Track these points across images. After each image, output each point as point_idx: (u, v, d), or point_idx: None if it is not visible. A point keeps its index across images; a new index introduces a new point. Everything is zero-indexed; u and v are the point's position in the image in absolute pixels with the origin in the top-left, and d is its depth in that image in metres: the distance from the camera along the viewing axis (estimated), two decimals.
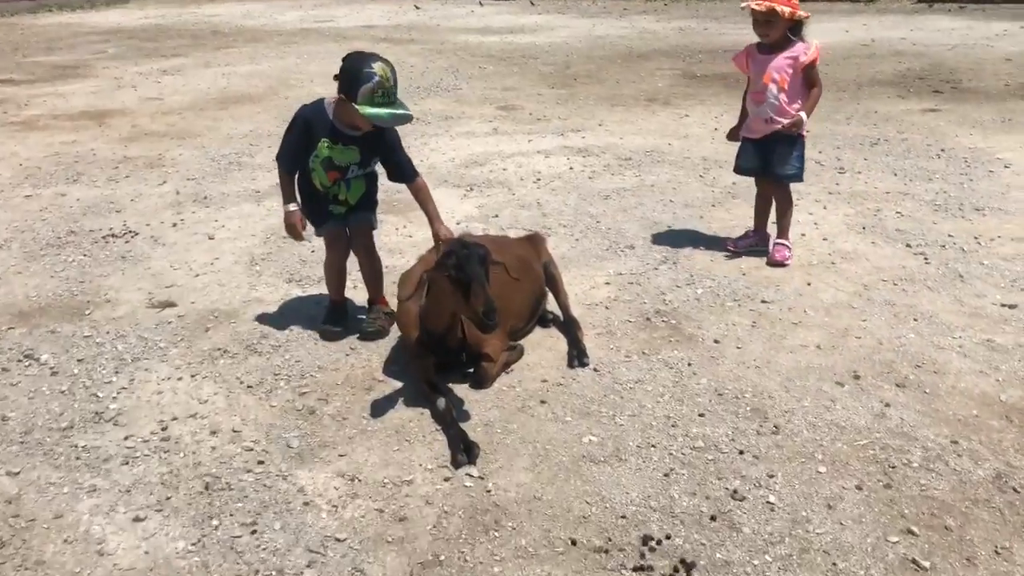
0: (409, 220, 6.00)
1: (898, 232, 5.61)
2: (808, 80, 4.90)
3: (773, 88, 4.88)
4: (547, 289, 4.46)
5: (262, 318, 4.58)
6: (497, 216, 6.07)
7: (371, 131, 4.01)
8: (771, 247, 5.19)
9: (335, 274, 4.41)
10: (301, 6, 21.02)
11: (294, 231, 4.20)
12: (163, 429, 3.59)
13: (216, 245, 5.63)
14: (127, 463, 3.37)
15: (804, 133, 4.97)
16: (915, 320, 4.40)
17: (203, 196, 6.62)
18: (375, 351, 4.22)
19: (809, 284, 4.85)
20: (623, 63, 12.34)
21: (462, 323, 3.78)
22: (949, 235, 5.52)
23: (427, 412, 3.67)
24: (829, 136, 7.99)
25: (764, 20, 4.80)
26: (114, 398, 3.83)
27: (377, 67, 3.77)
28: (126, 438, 3.53)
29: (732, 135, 5.32)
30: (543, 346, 4.24)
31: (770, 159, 5.05)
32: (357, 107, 3.78)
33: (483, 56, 13.06)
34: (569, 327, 4.29)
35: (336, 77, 3.92)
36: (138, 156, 7.76)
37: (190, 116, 9.34)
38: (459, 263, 3.41)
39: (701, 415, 3.61)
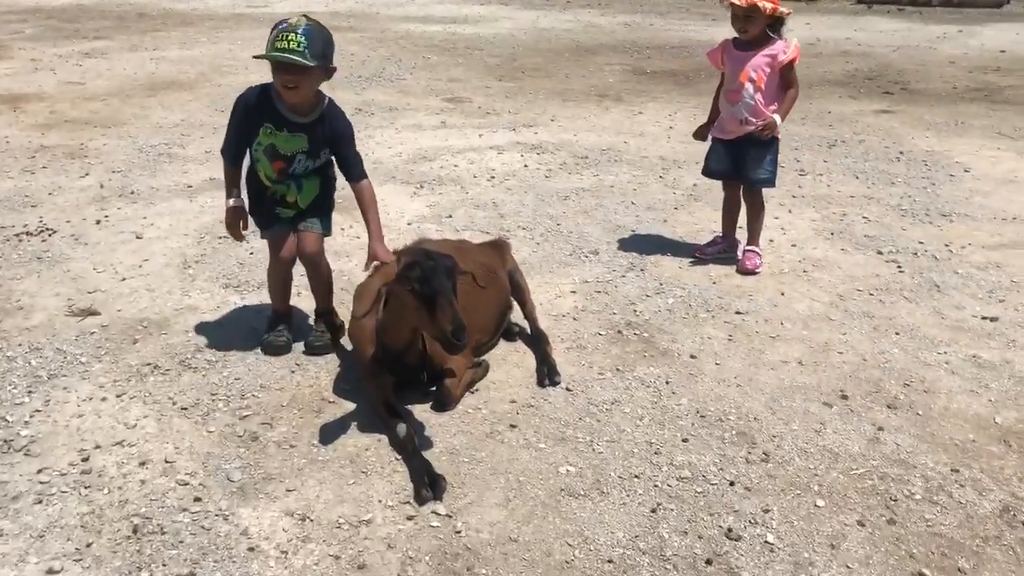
0: (356, 219, 5.55)
1: (867, 239, 5.42)
2: (785, 80, 4.66)
3: (749, 87, 4.62)
4: (512, 300, 4.12)
5: (197, 329, 4.16)
6: (451, 217, 5.72)
7: (319, 117, 3.64)
8: (741, 254, 4.95)
9: (280, 282, 3.99)
10: None
11: (233, 229, 3.82)
12: (84, 460, 3.17)
13: (144, 245, 5.16)
14: (40, 502, 2.94)
15: (778, 136, 4.72)
16: (897, 334, 4.19)
17: (130, 190, 6.11)
18: (324, 367, 3.84)
19: (783, 294, 4.62)
20: (571, 57, 12.05)
21: (423, 338, 3.43)
22: (919, 242, 5.36)
23: (385, 439, 3.31)
24: (786, 137, 7.73)
25: (744, 15, 4.54)
26: (26, 423, 3.38)
27: (293, 17, 3.50)
28: (40, 471, 3.10)
29: (700, 134, 5.05)
30: (510, 362, 3.91)
31: (742, 162, 4.80)
32: (257, 54, 3.63)
33: (426, 46, 12.64)
34: (537, 341, 3.97)
35: None
36: (57, 145, 7.19)
37: (115, 103, 8.75)
38: (424, 275, 3.06)
39: (685, 440, 3.32)
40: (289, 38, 3.40)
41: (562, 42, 13.26)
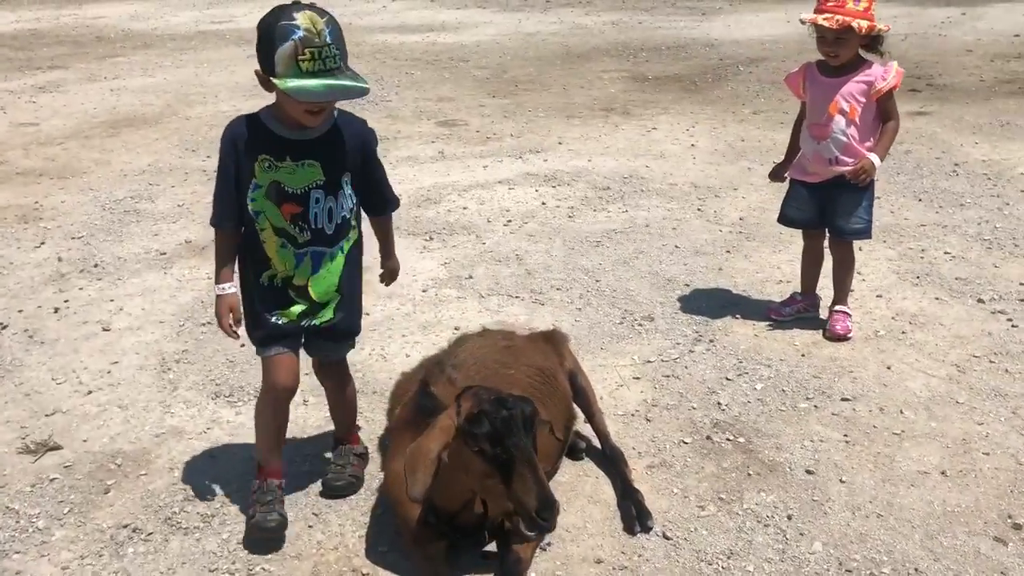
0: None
1: (959, 282, 4.66)
2: (883, 112, 3.87)
3: (841, 120, 3.83)
4: (575, 407, 3.32)
5: (184, 465, 3.33)
6: (471, 277, 4.90)
7: (331, 128, 2.72)
8: (829, 316, 4.17)
9: (274, 425, 2.94)
10: (195, 5, 19.24)
11: (226, 322, 2.83)
12: None
13: (113, 341, 4.31)
14: None
15: (875, 179, 3.94)
16: None
17: (93, 263, 5.24)
18: (348, 516, 3.02)
19: (889, 368, 3.85)
20: (564, 64, 11.24)
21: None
22: (1021, 283, 4.61)
23: None
24: None
25: (834, 38, 3.74)
26: None
27: (301, 18, 2.46)
28: None
29: (776, 174, 4.25)
30: (582, 495, 3.11)
31: (831, 209, 4.02)
32: (276, 82, 2.51)
33: (407, 59, 11.78)
34: (615, 464, 3.18)
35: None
36: (7, 205, 6.29)
37: (73, 147, 7.84)
38: (496, 433, 2.26)
39: None
40: (326, 55, 2.48)
41: (551, 48, 12.45)
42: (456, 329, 4.20)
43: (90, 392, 3.85)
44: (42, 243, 5.57)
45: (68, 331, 4.41)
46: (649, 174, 6.67)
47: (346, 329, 2.98)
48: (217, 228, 2.79)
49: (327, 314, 2.88)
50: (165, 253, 5.36)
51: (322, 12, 2.50)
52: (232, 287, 2.80)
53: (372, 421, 3.54)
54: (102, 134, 8.25)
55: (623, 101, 9.21)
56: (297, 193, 2.70)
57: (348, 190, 2.78)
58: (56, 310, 4.64)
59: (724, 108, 8.68)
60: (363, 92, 2.55)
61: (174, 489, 3.19)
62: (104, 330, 4.41)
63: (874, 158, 3.81)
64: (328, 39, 2.47)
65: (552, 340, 3.42)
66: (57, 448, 3.46)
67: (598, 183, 6.48)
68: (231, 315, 2.80)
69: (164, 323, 4.48)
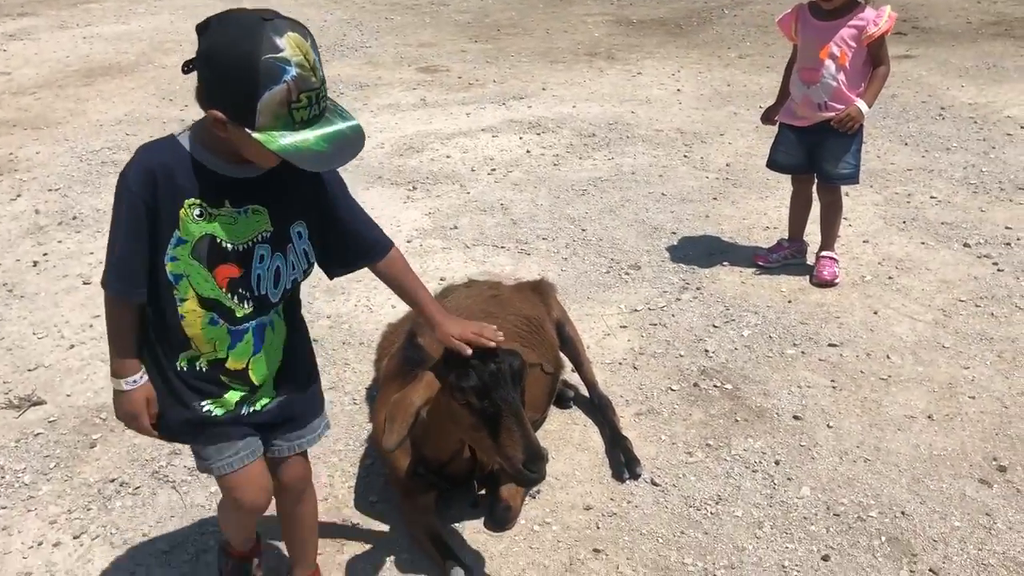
0: None
1: (946, 226, 4.65)
2: (873, 57, 3.81)
3: (831, 65, 3.77)
4: (561, 355, 3.31)
5: None
6: (456, 228, 4.85)
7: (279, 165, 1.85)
8: (816, 261, 4.16)
9: (246, 526, 2.40)
10: None
11: (142, 421, 2.02)
12: None
13: (95, 294, 4.24)
14: None
15: (862, 125, 3.90)
16: None
17: (71, 216, 5.15)
18: (337, 468, 3.02)
19: (876, 312, 3.85)
20: (546, 7, 11.04)
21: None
22: (1007, 227, 4.61)
23: None
24: None
25: None
26: None
27: (288, 46, 1.70)
28: None
29: (767, 117, 4.21)
30: (570, 443, 3.11)
31: (818, 153, 3.98)
32: (259, 137, 1.74)
33: (386, 4, 11.54)
34: (603, 412, 3.18)
35: (188, 68, 1.82)
36: None
37: (47, 96, 7.66)
38: (483, 385, 2.23)
39: (825, 558, 2.57)
40: (321, 95, 1.78)
41: None
42: (442, 280, 4.17)
43: (72, 346, 3.80)
44: (18, 195, 5.46)
45: (48, 284, 4.35)
46: (635, 120, 6.60)
47: (302, 413, 2.20)
48: (117, 298, 1.92)
49: (265, 396, 2.11)
50: None
51: (303, 29, 1.76)
52: (144, 376, 1.99)
53: (360, 372, 3.52)
54: (76, 83, 8.06)
55: (607, 45, 9.07)
56: (238, 250, 1.92)
57: (300, 244, 2.03)
58: (35, 263, 4.56)
59: (710, 52, 8.58)
60: (360, 141, 1.86)
61: (160, 443, 3.16)
62: (85, 283, 4.34)
63: (861, 105, 3.77)
64: (318, 70, 1.75)
65: (539, 290, 3.39)
66: (41, 403, 3.43)
67: (583, 130, 6.40)
68: (149, 407, 2.01)
69: None
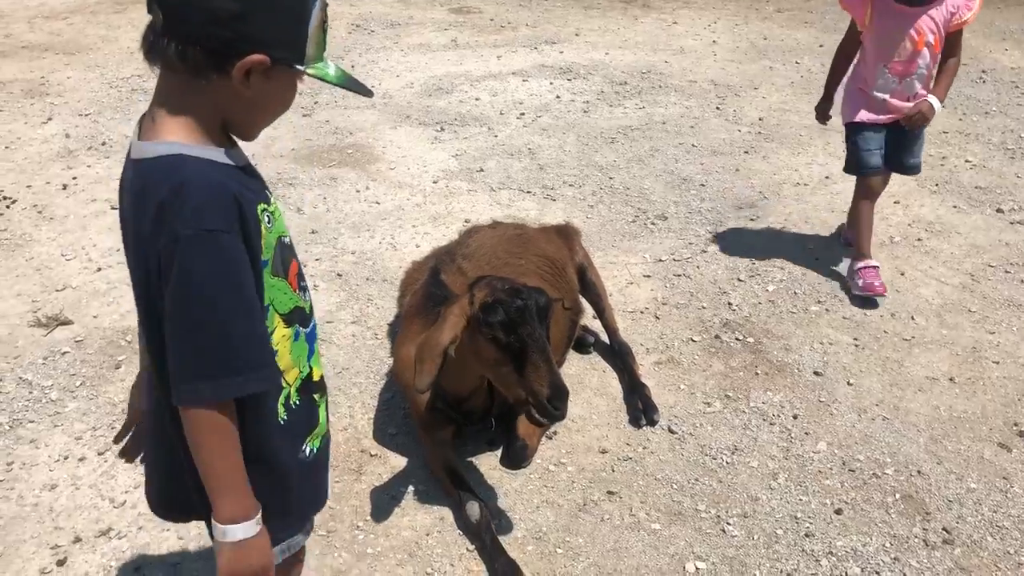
0: (371, 177, 4.71)
1: (979, 191, 4.58)
2: (948, 46, 3.45)
3: (927, 54, 3.43)
4: (583, 300, 3.31)
5: None
6: (482, 171, 4.83)
7: None
8: (856, 271, 3.65)
9: None
10: None
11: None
12: (59, 564, 2.40)
13: None
14: None
15: None
16: None
17: (101, 141, 5.16)
18: (358, 399, 3.05)
19: (903, 274, 3.82)
20: None
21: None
22: None
23: (450, 516, 2.56)
24: None
25: None
26: None
27: None
28: None
29: (822, 115, 3.80)
30: (589, 387, 3.13)
31: (897, 144, 3.59)
32: (315, 74, 1.40)
33: None
34: (623, 359, 3.18)
35: (157, 9, 1.33)
36: (13, 80, 6.16)
37: (78, 22, 7.64)
38: (510, 321, 2.24)
39: (838, 512, 2.58)
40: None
41: None
42: (466, 222, 4.16)
43: (99, 269, 3.84)
44: (49, 119, 5.48)
45: (77, 208, 4.37)
46: (668, 70, 6.50)
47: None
48: (230, 401, 1.37)
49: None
50: None
51: None
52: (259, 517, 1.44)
53: (382, 308, 3.53)
54: (108, 10, 8.03)
55: None
56: (292, 240, 1.57)
57: None
58: (64, 187, 4.59)
59: (747, 4, 8.41)
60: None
61: None
62: (113, 208, 4.37)
63: (934, 101, 3.45)
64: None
65: (564, 233, 3.38)
66: (68, 323, 3.47)
67: (615, 78, 6.32)
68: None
69: None
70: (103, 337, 3.38)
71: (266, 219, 1.41)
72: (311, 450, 1.59)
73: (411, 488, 2.67)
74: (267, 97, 1.40)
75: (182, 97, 1.35)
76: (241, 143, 1.46)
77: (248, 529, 1.39)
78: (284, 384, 1.50)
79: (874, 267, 3.61)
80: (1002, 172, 4.80)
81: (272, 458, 1.49)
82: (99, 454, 2.79)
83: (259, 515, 1.41)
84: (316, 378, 1.60)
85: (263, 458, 1.47)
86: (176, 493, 1.53)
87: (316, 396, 1.60)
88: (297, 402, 1.54)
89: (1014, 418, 2.96)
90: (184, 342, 1.32)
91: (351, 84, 1.46)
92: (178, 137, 1.36)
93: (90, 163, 4.87)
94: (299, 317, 1.53)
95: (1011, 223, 4.25)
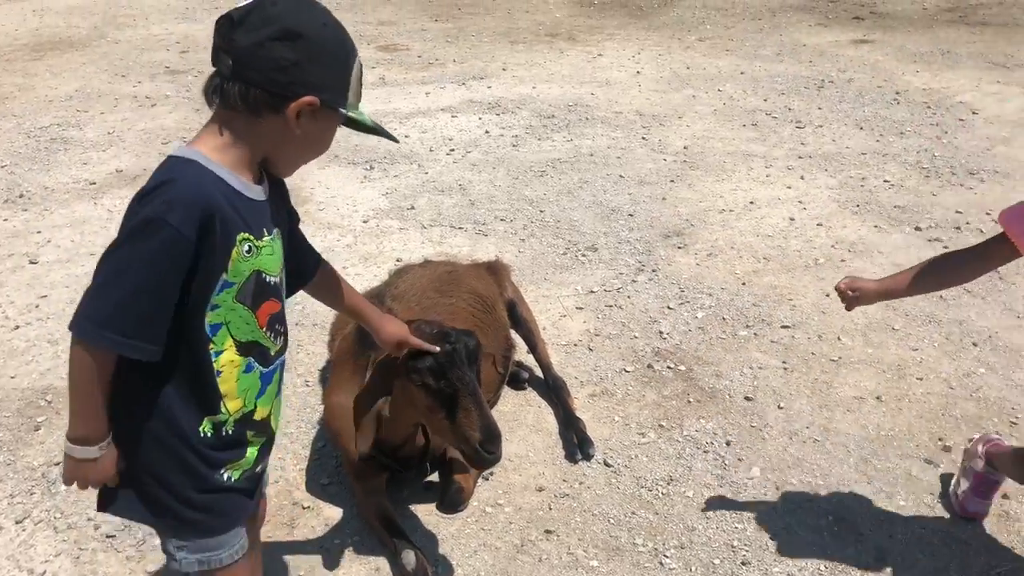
0: (300, 219, 4.65)
1: (898, 210, 4.71)
2: None
3: None
4: (515, 336, 3.30)
5: None
6: (413, 208, 4.81)
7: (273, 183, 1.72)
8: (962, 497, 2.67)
9: None
10: None
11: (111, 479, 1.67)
12: None
13: (41, 274, 4.15)
14: None
15: None
16: (975, 345, 3.51)
17: (18, 193, 5.03)
18: (289, 449, 2.99)
19: (828, 295, 3.89)
20: None
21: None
22: (957, 211, 4.67)
23: (386, 566, 2.51)
24: (766, 78, 7.02)
25: None
26: None
27: (343, 32, 1.65)
28: None
29: (853, 300, 2.51)
30: (524, 424, 3.11)
31: None
32: (356, 117, 1.65)
33: None
34: (557, 393, 3.18)
35: (232, 55, 1.52)
36: None
37: None
38: (439, 367, 2.22)
39: (774, 538, 2.59)
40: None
41: None
42: (398, 260, 4.14)
43: (17, 327, 3.72)
44: None
45: None
46: (594, 102, 6.59)
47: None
48: (110, 349, 1.53)
49: (272, 443, 1.86)
50: (95, 183, 5.17)
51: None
52: (107, 443, 1.62)
53: (313, 354, 3.48)
54: (25, 57, 7.87)
55: (569, 27, 9.05)
56: (276, 283, 1.70)
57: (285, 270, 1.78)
58: None
59: (670, 34, 8.58)
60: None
61: None
62: (31, 263, 4.25)
63: None
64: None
65: (493, 269, 3.38)
66: None
67: (543, 111, 6.38)
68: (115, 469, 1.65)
69: (95, 255, 4.31)
70: (21, 398, 3.27)
71: (245, 247, 1.58)
72: (229, 477, 1.72)
73: (345, 539, 2.61)
74: (312, 137, 1.62)
75: (236, 131, 1.56)
76: None
77: (87, 452, 1.60)
78: (222, 409, 1.65)
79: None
80: (919, 191, 4.94)
81: (177, 457, 1.65)
82: (17, 523, 2.69)
83: (103, 443, 1.60)
84: (258, 418, 1.72)
85: (171, 449, 1.64)
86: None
87: (251, 434, 1.72)
88: (230, 432, 1.68)
89: (939, 433, 3.02)
90: (96, 286, 1.50)
91: (381, 131, 1.71)
92: (206, 150, 1.55)
93: (6, 216, 4.74)
94: (258, 354, 1.68)
95: (929, 240, 4.37)
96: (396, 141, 1.79)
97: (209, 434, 1.65)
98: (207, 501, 1.69)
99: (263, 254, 1.62)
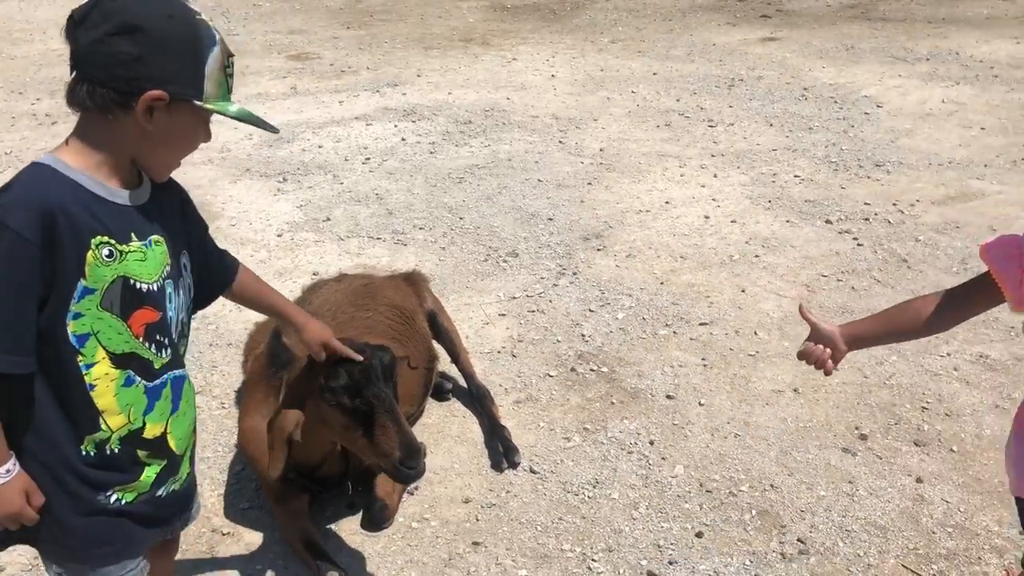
0: (212, 236, 4.54)
1: (809, 204, 4.82)
2: None
3: None
4: (435, 345, 3.27)
5: None
6: (329, 220, 4.74)
7: (155, 184, 1.64)
8: None
9: None
10: None
11: (24, 516, 1.55)
12: None
13: None
14: None
15: None
16: None
17: None
18: (206, 475, 2.90)
19: (743, 291, 3.96)
20: None
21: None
22: (865, 203, 4.81)
23: None
24: (678, 78, 7.13)
25: None
26: None
27: (201, 17, 1.54)
28: None
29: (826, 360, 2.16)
30: (449, 436, 3.08)
31: None
32: (215, 108, 1.53)
33: None
34: (481, 402, 3.15)
35: (75, 55, 1.49)
36: None
37: None
38: (354, 385, 2.17)
39: (699, 535, 2.62)
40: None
41: None
42: (314, 274, 4.06)
43: None
44: None
45: None
46: (510, 106, 6.59)
47: (193, 483, 1.87)
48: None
49: (184, 468, 1.77)
50: None
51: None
52: (17, 464, 1.53)
53: (228, 375, 3.39)
54: None
55: (482, 31, 9.04)
56: (152, 291, 1.60)
57: (187, 278, 1.72)
58: None
59: (583, 37, 8.65)
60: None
61: None
62: None
63: None
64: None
65: (411, 280, 3.33)
66: None
67: (459, 117, 6.35)
68: (31, 498, 1.55)
69: None
70: None
71: (104, 252, 1.51)
72: (118, 500, 1.64)
73: (268, 565, 2.54)
74: (170, 133, 1.54)
75: (94, 134, 1.51)
76: None
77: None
78: (103, 426, 1.57)
79: None
80: (828, 184, 5.07)
81: (58, 480, 1.57)
82: None
83: (6, 467, 1.50)
84: (149, 436, 1.63)
85: (52, 471, 1.57)
86: None
87: (144, 454, 1.64)
88: (116, 450, 1.60)
89: (855, 422, 3.09)
90: None
91: (253, 120, 1.60)
92: (64, 155, 1.51)
93: None
94: (138, 366, 1.59)
95: (839, 232, 4.48)
96: (276, 131, 1.69)
97: (92, 453, 1.58)
98: (89, 527, 1.61)
99: (130, 260, 1.54)
